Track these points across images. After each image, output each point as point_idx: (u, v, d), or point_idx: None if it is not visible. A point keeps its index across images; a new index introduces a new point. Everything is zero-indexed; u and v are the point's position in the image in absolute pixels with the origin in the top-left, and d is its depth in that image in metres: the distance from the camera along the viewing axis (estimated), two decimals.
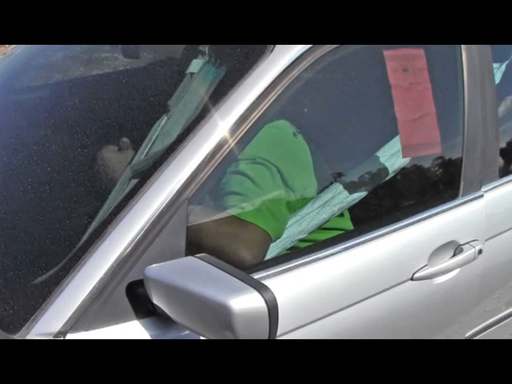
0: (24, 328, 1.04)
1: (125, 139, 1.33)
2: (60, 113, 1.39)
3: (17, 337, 1.04)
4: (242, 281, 0.99)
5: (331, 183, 1.40)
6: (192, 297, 0.99)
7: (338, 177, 1.43)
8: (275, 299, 0.96)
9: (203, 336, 1.05)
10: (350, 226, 1.42)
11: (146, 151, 1.25)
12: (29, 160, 1.31)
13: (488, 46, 1.56)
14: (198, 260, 1.04)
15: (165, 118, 1.28)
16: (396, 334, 1.44)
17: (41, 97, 1.55)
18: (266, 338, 0.98)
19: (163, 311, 1.06)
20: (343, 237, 1.36)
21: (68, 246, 1.13)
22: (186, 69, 1.34)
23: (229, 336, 0.97)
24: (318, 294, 1.28)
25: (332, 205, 1.38)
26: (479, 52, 1.53)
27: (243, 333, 0.95)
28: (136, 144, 1.27)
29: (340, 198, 1.40)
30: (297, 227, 1.36)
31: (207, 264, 1.03)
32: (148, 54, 1.71)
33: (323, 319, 1.28)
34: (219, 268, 1.02)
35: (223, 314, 0.95)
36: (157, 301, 1.05)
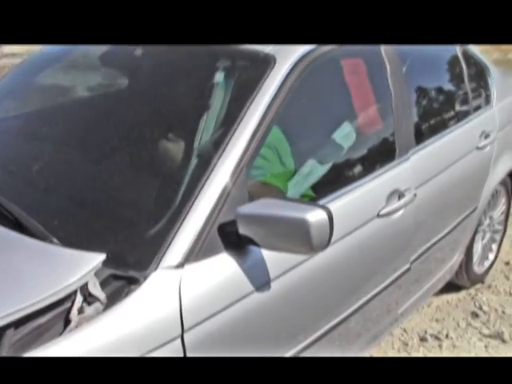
0: (152, 264, 1.44)
1: (170, 134, 1.79)
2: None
3: (147, 272, 1.42)
4: (307, 204, 1.50)
5: (306, 160, 1.95)
6: (277, 220, 1.47)
7: (311, 155, 1.98)
8: (332, 213, 1.48)
9: (282, 250, 1.53)
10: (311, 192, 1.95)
11: (199, 139, 1.72)
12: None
13: (396, 53, 2.24)
14: (271, 199, 1.54)
15: (205, 115, 1.76)
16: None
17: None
18: (327, 241, 1.49)
19: (249, 238, 1.52)
20: (330, 188, 1.90)
21: (172, 204, 1.56)
22: (213, 79, 1.83)
23: (306, 243, 1.46)
24: None
25: (311, 175, 1.94)
26: (393, 57, 2.20)
27: (316, 239, 1.45)
28: (188, 135, 1.74)
29: (315, 170, 1.96)
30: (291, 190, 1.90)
31: (279, 200, 1.53)
32: None
33: None
34: (289, 200, 1.53)
35: (302, 227, 1.45)
36: (244, 231, 1.51)
